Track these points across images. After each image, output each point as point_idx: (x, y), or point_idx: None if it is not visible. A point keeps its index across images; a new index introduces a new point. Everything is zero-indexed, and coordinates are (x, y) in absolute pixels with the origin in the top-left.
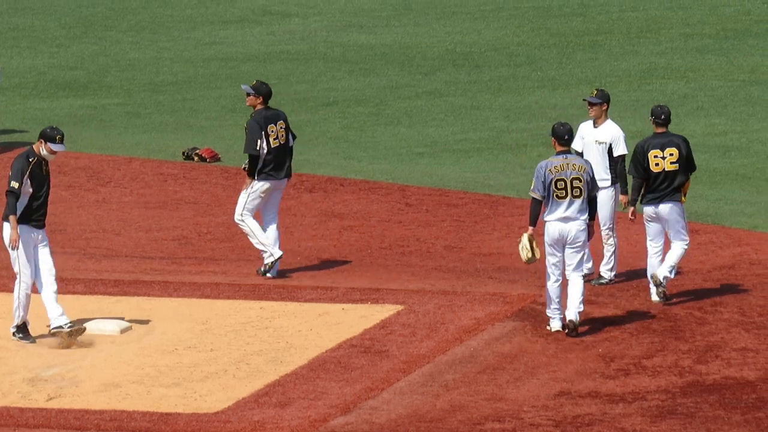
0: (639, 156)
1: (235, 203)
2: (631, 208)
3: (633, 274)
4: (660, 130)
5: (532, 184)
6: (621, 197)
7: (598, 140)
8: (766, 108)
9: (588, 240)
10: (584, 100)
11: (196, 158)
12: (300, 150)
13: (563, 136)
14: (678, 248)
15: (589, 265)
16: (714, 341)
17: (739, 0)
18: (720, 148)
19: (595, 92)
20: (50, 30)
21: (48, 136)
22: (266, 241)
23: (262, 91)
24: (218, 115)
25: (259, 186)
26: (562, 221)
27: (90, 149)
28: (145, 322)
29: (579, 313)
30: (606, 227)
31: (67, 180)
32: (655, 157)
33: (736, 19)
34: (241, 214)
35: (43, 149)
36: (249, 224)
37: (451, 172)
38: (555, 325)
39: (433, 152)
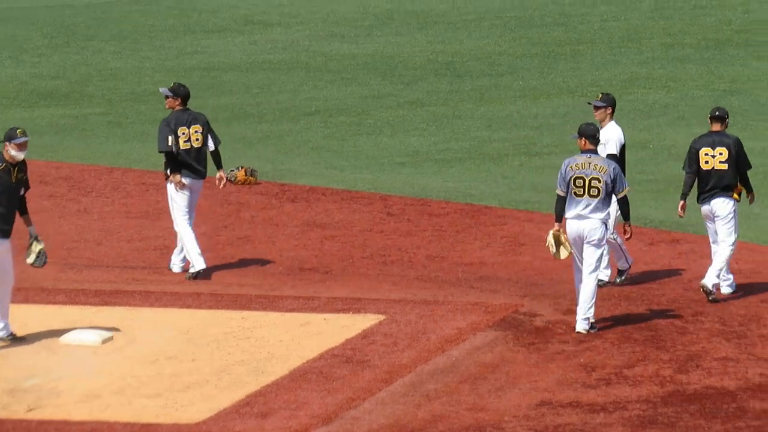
0: (692, 153)
1: (217, 213)
2: (681, 202)
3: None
4: (715, 127)
5: (557, 181)
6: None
7: (600, 141)
8: (747, 117)
9: (603, 239)
10: (589, 103)
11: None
12: (282, 159)
13: (593, 135)
14: (725, 250)
15: (608, 272)
16: (695, 351)
17: (720, 10)
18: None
19: (600, 96)
20: (32, 39)
21: (8, 136)
22: (195, 249)
23: (180, 93)
24: None
25: (174, 185)
26: (578, 219)
27: (72, 159)
28: (127, 332)
29: (586, 319)
30: None
31: (49, 190)
32: (706, 155)
33: (717, 29)
34: (178, 224)
35: (10, 150)
36: (183, 233)
37: (433, 182)
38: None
39: (414, 162)
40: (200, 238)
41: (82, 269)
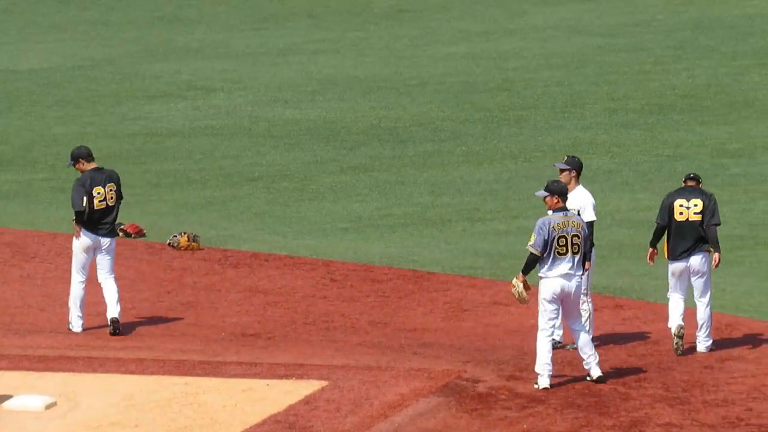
0: (665, 205)
1: (160, 279)
2: (651, 249)
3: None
4: (690, 184)
5: (533, 240)
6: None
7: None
8: None
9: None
10: (554, 165)
11: (121, 234)
12: (225, 225)
13: (565, 192)
14: (707, 307)
15: (560, 332)
16: (638, 417)
17: (664, 75)
18: (645, 223)
19: (566, 158)
20: None
21: None
22: (74, 309)
23: (82, 155)
24: (143, 191)
25: (80, 241)
26: (564, 278)
27: (14, 224)
28: (70, 397)
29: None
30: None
31: None
32: (681, 206)
33: (661, 94)
34: (72, 279)
35: None
36: (72, 289)
37: (376, 248)
38: (543, 382)
39: (357, 227)
40: (142, 303)
41: (25, 335)
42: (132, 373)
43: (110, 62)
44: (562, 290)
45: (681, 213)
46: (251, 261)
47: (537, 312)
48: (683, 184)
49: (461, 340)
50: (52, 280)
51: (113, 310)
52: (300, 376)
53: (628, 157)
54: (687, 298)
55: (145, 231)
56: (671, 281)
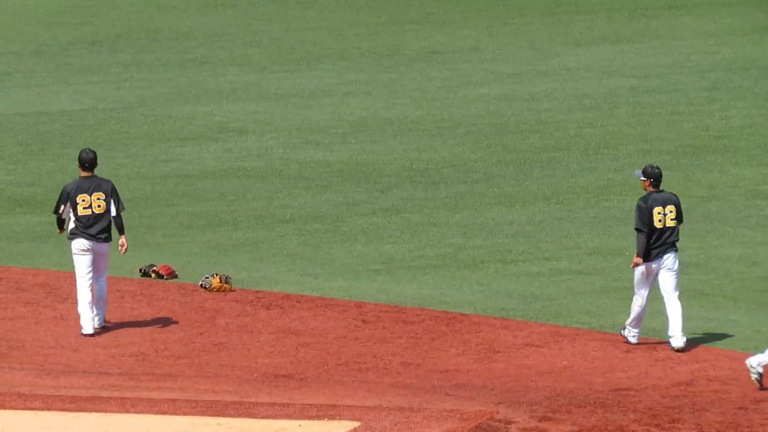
0: (645, 212)
1: (192, 320)
2: (639, 259)
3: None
4: (655, 187)
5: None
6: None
7: None
8: (724, 224)
9: None
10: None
11: (153, 275)
12: (257, 267)
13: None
14: (678, 304)
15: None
16: None
17: (697, 116)
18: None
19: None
20: (7, 147)
21: None
22: (85, 313)
23: (80, 160)
24: (175, 232)
25: (74, 244)
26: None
27: (47, 266)
28: None
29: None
30: None
31: (25, 296)
32: (659, 213)
33: (695, 135)
34: (77, 284)
35: None
36: (79, 293)
37: (408, 289)
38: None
39: (389, 269)
40: (175, 344)
41: (59, 375)
42: (165, 413)
43: (142, 104)
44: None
45: (660, 220)
46: (283, 302)
47: (568, 353)
48: (649, 187)
49: (493, 381)
50: None
51: (87, 327)
52: (332, 417)
53: None
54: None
55: (177, 272)
56: (642, 281)
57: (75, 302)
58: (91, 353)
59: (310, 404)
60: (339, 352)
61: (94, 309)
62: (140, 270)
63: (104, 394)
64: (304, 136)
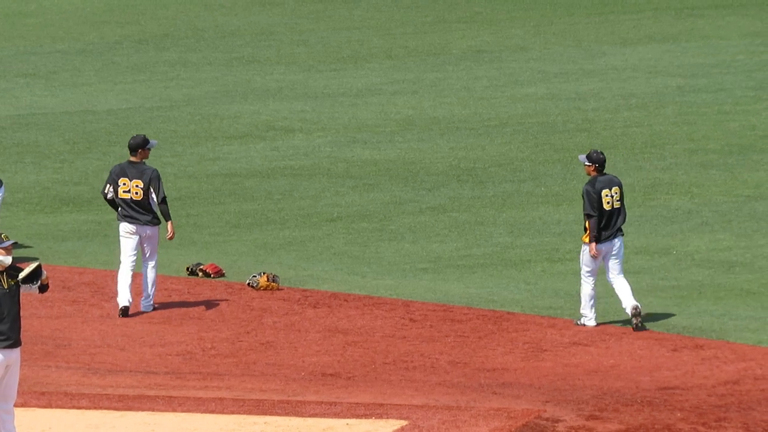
0: (593, 196)
1: (239, 319)
2: (593, 244)
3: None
4: (601, 170)
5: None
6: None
7: None
8: None
9: None
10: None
11: (200, 274)
12: (304, 265)
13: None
14: (626, 281)
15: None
16: None
17: (743, 115)
18: (724, 263)
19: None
20: (54, 145)
21: None
22: (120, 288)
23: (129, 144)
24: (222, 231)
25: (120, 227)
26: None
27: (94, 264)
28: None
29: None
30: None
31: (72, 295)
32: (607, 195)
33: (741, 134)
34: (120, 263)
35: None
36: (119, 271)
37: (455, 288)
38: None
39: (436, 268)
40: (222, 343)
41: (105, 374)
42: (212, 412)
43: (189, 103)
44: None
45: (608, 202)
46: (330, 301)
47: (615, 352)
48: (594, 172)
49: (541, 380)
50: (131, 319)
51: (122, 300)
52: (380, 416)
53: (707, 198)
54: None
55: (224, 271)
56: (591, 265)
57: None
58: (137, 352)
59: (357, 403)
60: (386, 350)
61: (130, 292)
62: (187, 269)
63: (151, 393)
64: (352, 135)
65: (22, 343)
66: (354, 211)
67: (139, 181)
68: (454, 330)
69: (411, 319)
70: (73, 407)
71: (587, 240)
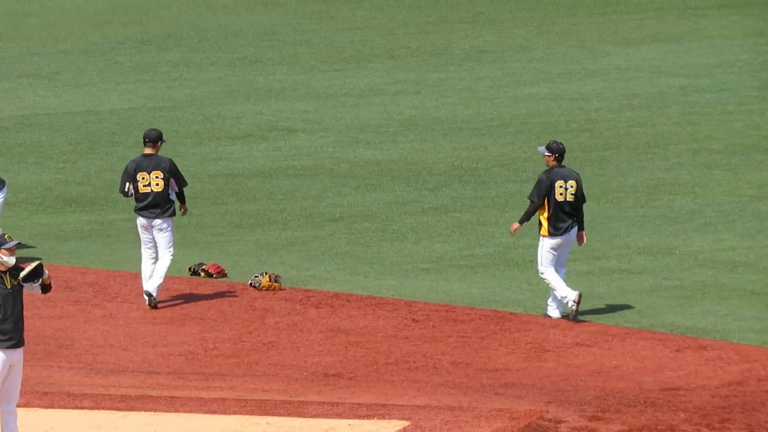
0: (544, 184)
1: (241, 319)
2: (517, 224)
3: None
4: (559, 165)
5: None
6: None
7: None
8: None
9: None
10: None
11: (202, 274)
12: (306, 266)
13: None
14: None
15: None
16: None
17: (747, 115)
18: (728, 263)
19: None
20: (57, 146)
21: None
22: (144, 280)
23: (148, 136)
24: (224, 231)
25: (137, 221)
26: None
27: (96, 264)
28: None
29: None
30: None
31: (74, 295)
32: (561, 187)
33: (745, 134)
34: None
35: (1, 256)
36: (141, 260)
37: (458, 288)
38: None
39: (439, 268)
40: (224, 343)
41: (108, 374)
42: (214, 412)
43: (191, 103)
44: None
45: (561, 194)
46: (333, 301)
47: (618, 352)
48: (553, 162)
49: (543, 380)
50: (134, 320)
51: (152, 283)
52: (382, 416)
53: (711, 198)
54: None
55: (226, 271)
56: (549, 256)
57: (124, 301)
58: (140, 352)
59: (359, 403)
60: (388, 351)
61: (148, 280)
62: (189, 269)
63: (153, 393)
64: (354, 135)
65: (25, 343)
66: (356, 212)
67: (159, 171)
68: (456, 330)
69: (413, 320)
70: (76, 407)
71: (545, 233)
